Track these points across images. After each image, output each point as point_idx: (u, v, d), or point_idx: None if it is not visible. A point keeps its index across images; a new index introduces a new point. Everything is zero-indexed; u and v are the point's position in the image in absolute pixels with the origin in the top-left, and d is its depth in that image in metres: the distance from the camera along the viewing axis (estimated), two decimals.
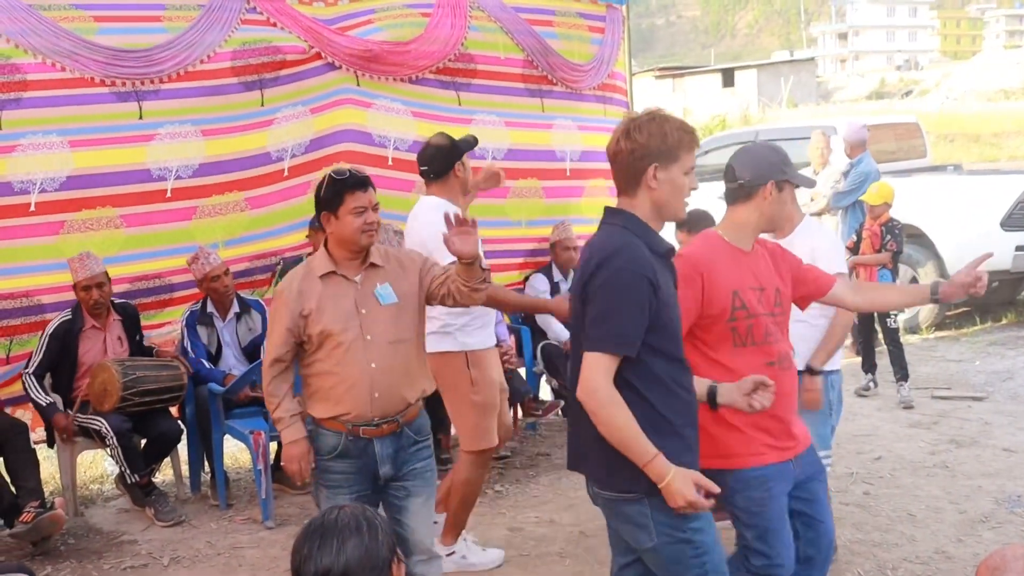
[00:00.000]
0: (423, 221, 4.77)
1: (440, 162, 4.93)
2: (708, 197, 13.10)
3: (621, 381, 2.89)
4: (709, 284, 3.41)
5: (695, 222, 5.26)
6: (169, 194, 6.26)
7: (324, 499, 3.78)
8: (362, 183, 3.74)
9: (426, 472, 3.88)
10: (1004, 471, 6.11)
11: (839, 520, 5.44)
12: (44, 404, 5.78)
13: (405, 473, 3.82)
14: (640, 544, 3.04)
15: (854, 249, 8.38)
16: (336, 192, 3.72)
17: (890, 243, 8.03)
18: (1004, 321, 10.80)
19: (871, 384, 8.23)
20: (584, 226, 7.68)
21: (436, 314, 4.54)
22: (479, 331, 4.85)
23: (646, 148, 2.95)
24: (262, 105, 6.49)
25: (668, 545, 2.97)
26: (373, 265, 3.78)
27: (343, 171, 3.81)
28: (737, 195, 3.66)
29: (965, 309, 11.07)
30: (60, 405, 5.86)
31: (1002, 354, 9.33)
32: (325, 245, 3.83)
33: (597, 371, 2.86)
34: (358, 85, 6.85)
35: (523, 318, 7.45)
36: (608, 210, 3.11)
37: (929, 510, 5.53)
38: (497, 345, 5.23)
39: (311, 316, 3.67)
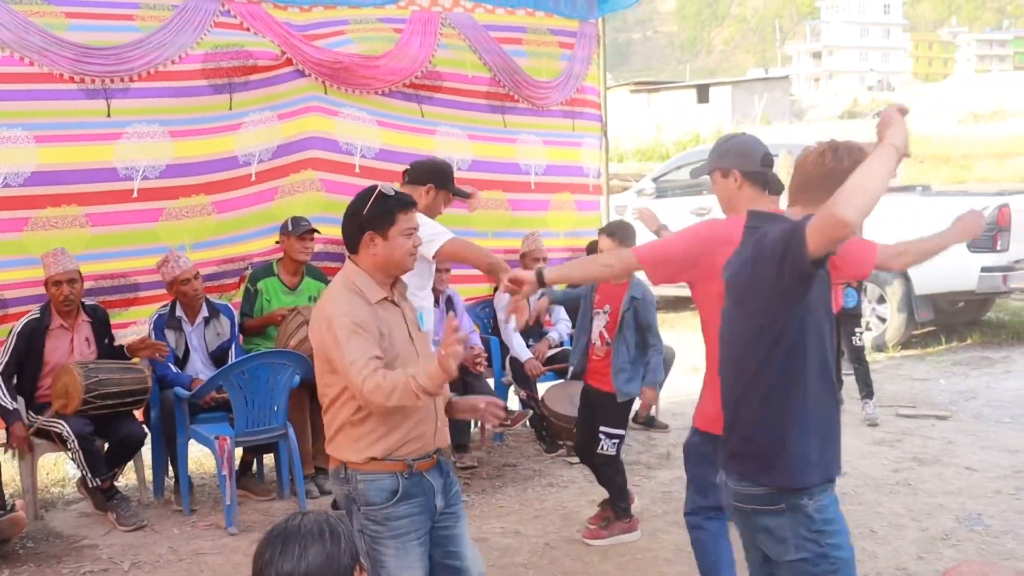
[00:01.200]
0: None
1: (423, 175, 5.01)
2: (680, 210, 13.24)
3: None
4: None
5: (623, 232, 5.37)
6: (136, 194, 6.23)
7: (392, 555, 3.31)
8: (411, 203, 3.46)
9: (460, 493, 3.64)
10: (965, 489, 6.17)
11: None
12: (9, 409, 5.70)
13: (450, 498, 3.53)
14: (779, 556, 3.11)
15: None
16: (387, 210, 3.38)
17: None
18: (969, 341, 10.90)
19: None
20: (550, 239, 7.71)
21: None
22: None
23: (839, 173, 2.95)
24: (230, 109, 6.48)
25: (807, 558, 3.06)
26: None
27: (390, 187, 3.46)
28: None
29: (931, 329, 11.17)
30: (23, 411, 5.79)
31: (966, 374, 9.42)
32: (358, 265, 3.44)
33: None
34: (325, 93, 6.88)
35: (491, 329, 7.47)
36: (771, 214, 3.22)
37: (891, 527, 5.57)
38: (469, 348, 5.26)
39: (382, 343, 3.30)
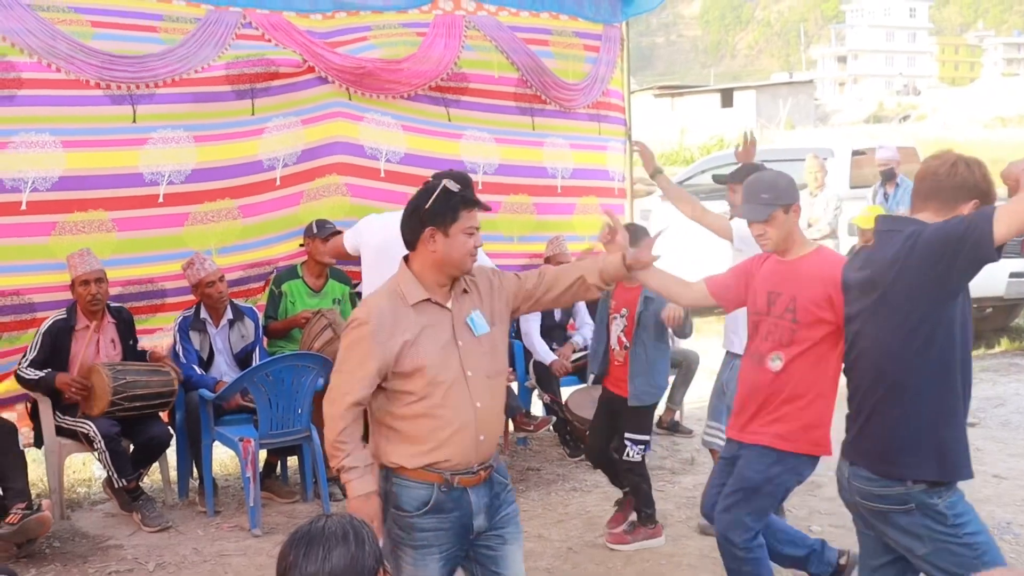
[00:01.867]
0: None
1: None
2: None
3: None
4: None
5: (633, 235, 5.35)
6: (161, 199, 6.28)
7: (410, 563, 3.24)
8: (476, 201, 3.30)
9: (516, 516, 3.46)
10: (994, 497, 6.11)
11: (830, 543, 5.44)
12: (37, 379, 5.72)
13: (498, 520, 3.38)
14: (915, 551, 3.30)
15: None
16: (452, 207, 3.23)
17: None
18: (997, 348, 10.82)
19: None
20: (575, 243, 7.69)
21: None
22: None
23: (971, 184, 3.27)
24: (252, 114, 6.54)
25: (948, 550, 3.25)
26: (463, 291, 3.36)
27: (455, 183, 3.29)
28: None
29: None
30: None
31: (995, 380, 9.35)
32: (408, 266, 3.33)
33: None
34: (350, 99, 6.92)
35: (515, 334, 7.45)
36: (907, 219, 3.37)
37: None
38: None
39: (404, 349, 3.18)
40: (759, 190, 4.14)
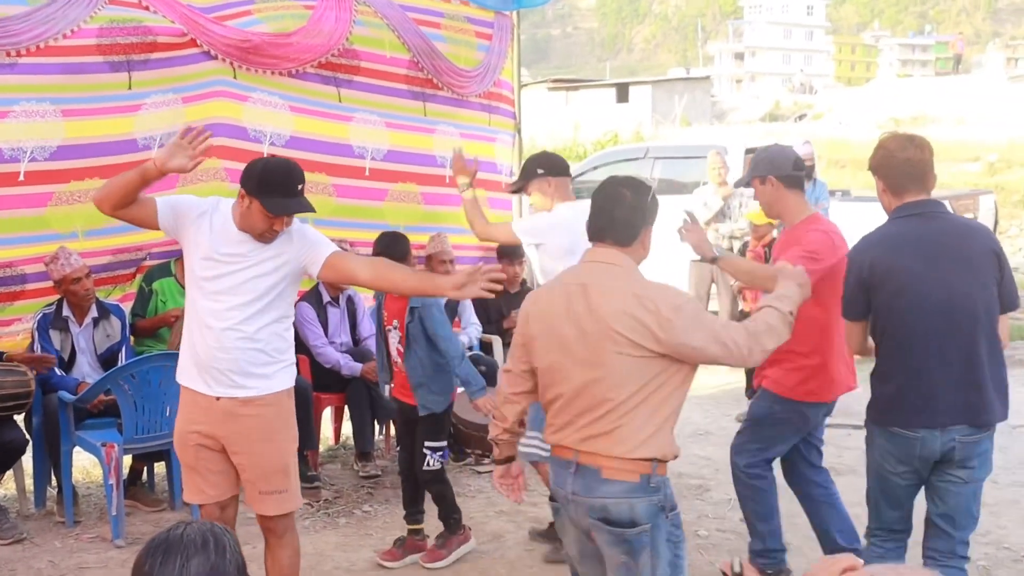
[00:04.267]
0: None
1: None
2: None
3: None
4: None
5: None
6: (22, 177, 6.04)
7: (684, 560, 3.42)
8: None
9: None
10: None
11: (715, 547, 5.57)
12: None
13: None
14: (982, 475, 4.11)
15: None
16: (657, 205, 3.58)
17: None
18: None
19: None
20: (460, 236, 7.69)
21: (278, 346, 4.21)
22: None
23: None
24: (129, 88, 6.35)
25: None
26: None
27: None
28: None
29: None
30: None
31: None
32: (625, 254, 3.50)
33: None
34: (235, 78, 6.77)
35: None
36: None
37: (805, 538, 5.66)
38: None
39: None
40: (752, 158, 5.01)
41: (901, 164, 4.07)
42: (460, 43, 7.91)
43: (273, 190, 3.97)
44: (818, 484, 5.11)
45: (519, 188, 5.54)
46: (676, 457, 3.38)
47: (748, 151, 13.30)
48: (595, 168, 13.99)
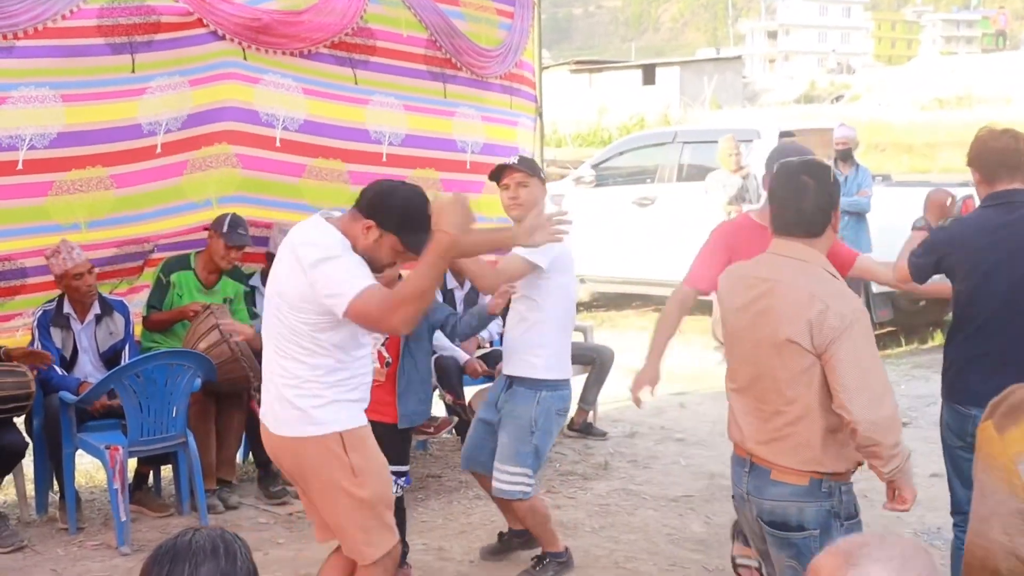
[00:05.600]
0: None
1: None
2: (623, 200, 13.30)
3: None
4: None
5: None
6: (21, 166, 6.02)
7: None
8: None
9: None
10: (925, 501, 6.24)
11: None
12: None
13: None
14: None
15: None
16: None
17: None
18: (930, 343, 11.09)
19: None
20: (482, 224, 7.66)
21: (299, 385, 3.86)
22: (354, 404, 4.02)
23: None
24: (133, 72, 6.30)
25: None
26: None
27: None
28: None
29: (890, 329, 11.35)
30: None
31: (927, 377, 9.56)
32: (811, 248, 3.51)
33: None
34: (245, 59, 6.72)
35: None
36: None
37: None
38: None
39: None
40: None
41: (994, 153, 4.31)
42: (480, 21, 7.84)
43: (418, 227, 3.81)
44: None
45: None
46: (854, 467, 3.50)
47: (783, 134, 13.24)
48: (620, 154, 13.96)
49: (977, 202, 4.63)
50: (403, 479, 4.99)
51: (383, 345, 4.99)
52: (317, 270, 3.68)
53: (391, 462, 4.73)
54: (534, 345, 4.97)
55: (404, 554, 5.18)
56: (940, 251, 4.39)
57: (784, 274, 3.41)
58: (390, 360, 5.02)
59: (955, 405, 4.35)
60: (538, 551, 5.34)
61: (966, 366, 4.34)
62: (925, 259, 4.44)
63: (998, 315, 4.22)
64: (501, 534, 5.58)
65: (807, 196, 3.43)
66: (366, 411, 4.57)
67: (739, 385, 3.53)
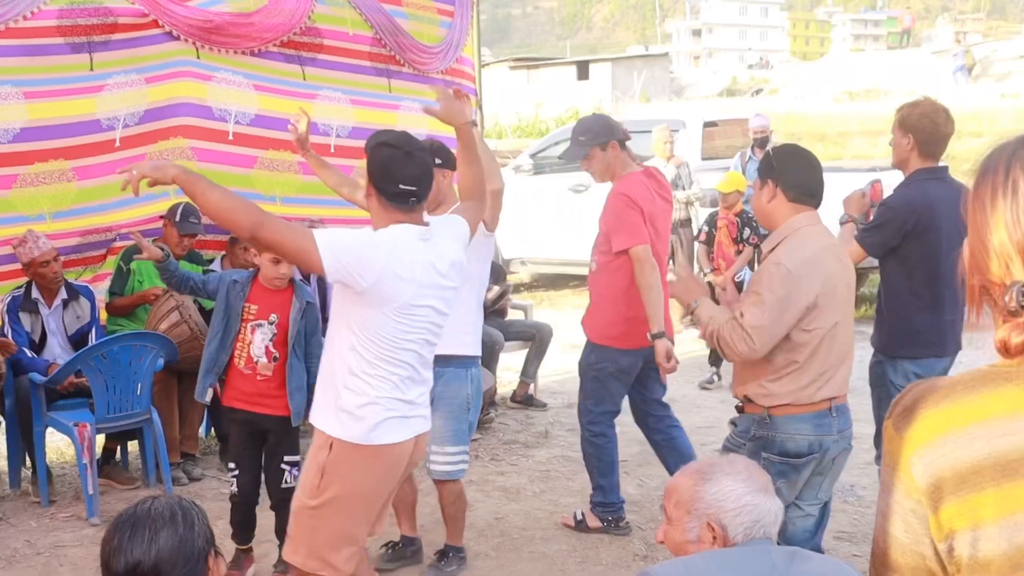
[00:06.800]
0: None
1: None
2: (558, 187, 13.31)
3: None
4: None
5: None
6: None
7: None
8: None
9: None
10: None
11: None
12: None
13: None
14: None
15: (707, 241, 8.70)
16: None
17: (752, 237, 8.34)
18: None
19: (715, 377, 8.47)
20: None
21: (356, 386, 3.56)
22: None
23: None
24: (91, 69, 6.24)
25: None
26: None
27: None
28: None
29: None
30: None
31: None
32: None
33: None
34: (198, 58, 6.68)
35: None
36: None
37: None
38: None
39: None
40: (577, 133, 5.17)
41: (943, 136, 4.69)
42: (422, 20, 7.83)
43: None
44: (659, 430, 5.48)
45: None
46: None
47: (707, 124, 13.35)
48: (557, 144, 13.96)
49: (883, 186, 4.83)
50: (298, 468, 4.59)
51: (271, 341, 4.75)
52: None
53: (288, 452, 4.85)
54: (464, 323, 4.66)
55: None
56: (908, 231, 4.71)
57: (830, 238, 3.98)
58: (277, 356, 4.76)
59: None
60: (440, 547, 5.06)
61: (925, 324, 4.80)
62: (882, 235, 4.79)
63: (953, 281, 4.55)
64: (394, 544, 5.14)
65: (819, 171, 3.87)
66: (235, 400, 4.81)
67: (844, 346, 3.97)
